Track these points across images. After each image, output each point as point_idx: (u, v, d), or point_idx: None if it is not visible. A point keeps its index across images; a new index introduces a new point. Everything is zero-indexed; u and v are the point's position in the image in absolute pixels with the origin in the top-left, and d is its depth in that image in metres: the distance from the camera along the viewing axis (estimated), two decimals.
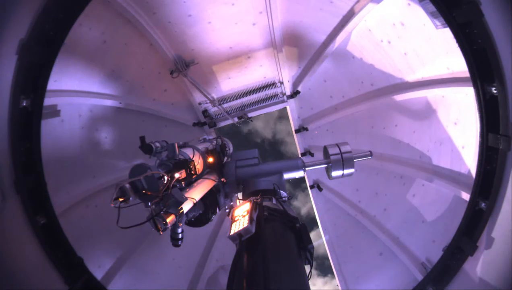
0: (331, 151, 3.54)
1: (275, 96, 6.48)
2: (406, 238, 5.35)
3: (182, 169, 2.34)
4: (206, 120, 6.74)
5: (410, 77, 4.84)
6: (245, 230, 2.24)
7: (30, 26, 3.10)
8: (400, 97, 5.10)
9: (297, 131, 6.61)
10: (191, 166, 2.49)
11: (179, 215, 2.05)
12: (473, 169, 4.00)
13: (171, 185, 2.05)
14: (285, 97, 6.42)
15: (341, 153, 3.45)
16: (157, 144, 2.43)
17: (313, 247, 2.38)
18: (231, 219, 2.50)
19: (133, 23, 4.76)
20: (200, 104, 6.50)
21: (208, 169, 3.19)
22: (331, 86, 6.01)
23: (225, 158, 3.56)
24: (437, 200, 4.97)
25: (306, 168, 3.47)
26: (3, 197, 3.08)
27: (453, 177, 4.58)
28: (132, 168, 2.05)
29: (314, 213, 6.82)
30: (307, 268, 2.29)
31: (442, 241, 4.63)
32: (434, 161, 4.98)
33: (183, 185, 2.43)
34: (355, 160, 3.47)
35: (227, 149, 3.62)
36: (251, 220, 2.31)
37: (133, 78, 5.46)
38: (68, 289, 3.71)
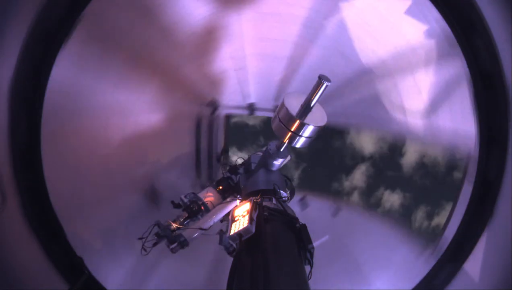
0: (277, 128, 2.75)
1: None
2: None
3: (185, 212, 3.20)
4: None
5: None
6: (245, 230, 2.26)
7: None
8: None
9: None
10: (192, 206, 3.22)
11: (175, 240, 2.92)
12: None
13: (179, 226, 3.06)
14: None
15: (278, 118, 2.70)
16: (186, 200, 3.32)
17: (313, 247, 2.36)
18: (231, 219, 2.53)
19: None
20: None
21: (229, 192, 3.67)
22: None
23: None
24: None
25: (282, 148, 3.14)
26: (3, 198, 3.07)
27: None
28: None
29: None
30: (307, 268, 2.28)
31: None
32: None
33: (200, 216, 3.23)
34: (313, 102, 2.47)
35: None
36: (251, 220, 2.33)
37: None
38: (68, 289, 3.74)
